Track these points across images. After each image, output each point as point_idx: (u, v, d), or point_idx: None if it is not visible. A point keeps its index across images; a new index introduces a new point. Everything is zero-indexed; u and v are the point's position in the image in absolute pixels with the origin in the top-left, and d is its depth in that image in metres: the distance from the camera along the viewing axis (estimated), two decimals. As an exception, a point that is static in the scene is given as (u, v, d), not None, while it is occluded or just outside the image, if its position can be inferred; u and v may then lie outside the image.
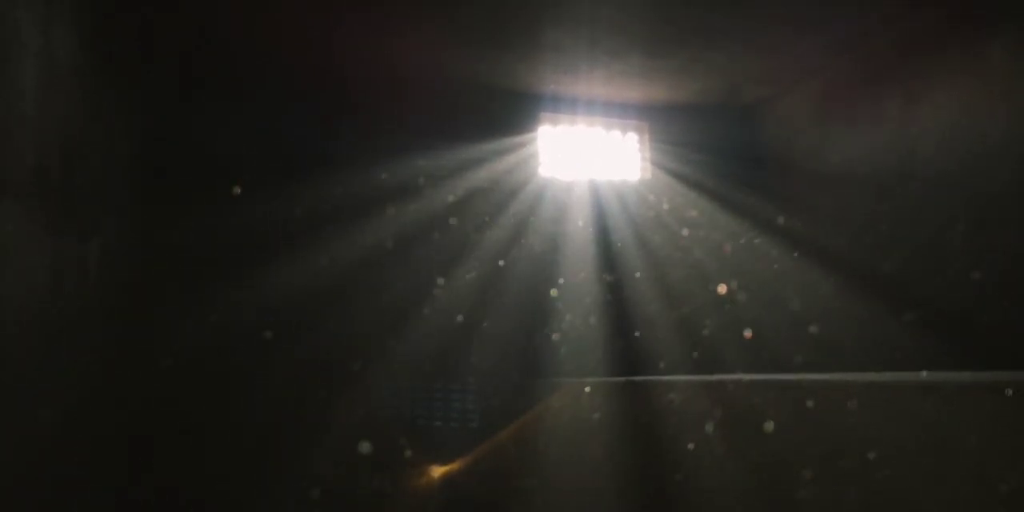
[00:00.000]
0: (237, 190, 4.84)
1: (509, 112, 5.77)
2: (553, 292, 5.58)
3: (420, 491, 5.11)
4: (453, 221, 5.54)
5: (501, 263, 5.55)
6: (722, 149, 6.10)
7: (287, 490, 4.66)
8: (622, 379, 4.41)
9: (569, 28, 4.68)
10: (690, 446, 3.37)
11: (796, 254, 5.49)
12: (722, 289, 5.72)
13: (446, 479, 5.12)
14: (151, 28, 4.31)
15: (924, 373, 2.53)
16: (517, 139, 5.81)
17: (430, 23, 4.58)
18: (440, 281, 5.39)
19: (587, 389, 4.50)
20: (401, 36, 4.73)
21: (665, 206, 6.02)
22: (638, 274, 5.79)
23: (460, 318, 5.32)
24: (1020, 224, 3.98)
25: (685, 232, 5.97)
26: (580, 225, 5.83)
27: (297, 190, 5.09)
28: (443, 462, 5.16)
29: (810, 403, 2.75)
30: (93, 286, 3.48)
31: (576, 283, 5.65)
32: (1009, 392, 2.01)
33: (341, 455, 4.85)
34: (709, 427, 3.28)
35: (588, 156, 6.12)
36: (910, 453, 2.24)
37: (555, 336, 5.46)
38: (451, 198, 5.56)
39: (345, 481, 4.91)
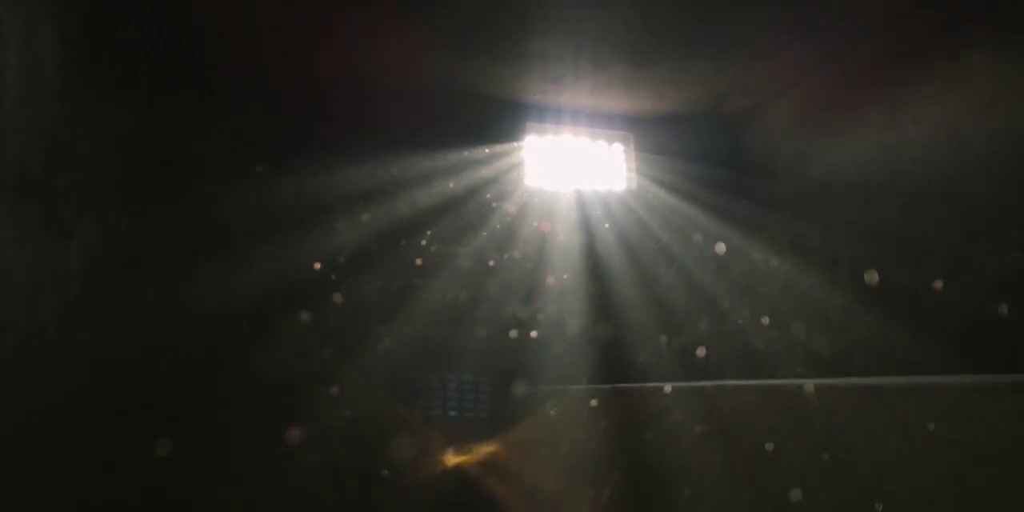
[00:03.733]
0: (224, 188, 4.82)
1: (495, 121, 5.79)
2: (538, 301, 5.57)
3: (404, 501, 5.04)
4: (437, 229, 5.53)
5: (485, 271, 5.54)
6: (708, 159, 6.14)
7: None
8: (608, 386, 4.40)
9: (554, 38, 4.71)
10: (678, 452, 3.36)
11: (781, 262, 5.52)
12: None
13: (430, 488, 5.06)
14: (133, 28, 4.28)
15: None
16: (503, 148, 5.82)
17: (414, 31, 4.59)
18: (424, 289, 5.37)
19: (572, 397, 4.48)
20: (386, 44, 4.74)
21: (651, 215, 6.05)
22: (624, 282, 5.79)
23: (444, 326, 5.30)
24: (1003, 232, 4.02)
25: (671, 241, 5.99)
26: (566, 234, 5.83)
27: (279, 193, 5.07)
28: (429, 470, 5.11)
29: (798, 408, 2.74)
30: (74, 287, 3.43)
31: (561, 291, 5.64)
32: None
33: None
34: (695, 433, 3.27)
35: (574, 166, 6.14)
36: (899, 456, 2.24)
37: (540, 344, 5.43)
38: (436, 206, 5.55)
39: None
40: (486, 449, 5.02)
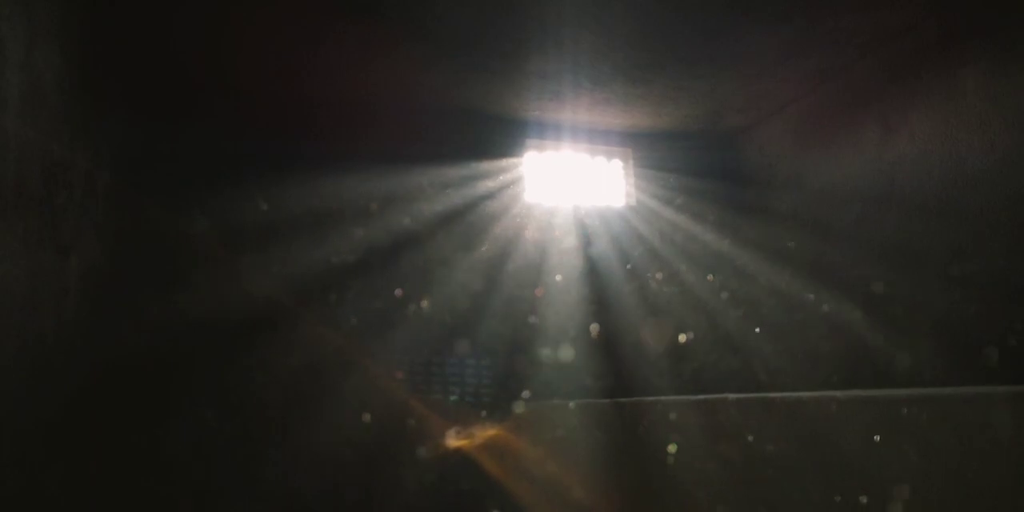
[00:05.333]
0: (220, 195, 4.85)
1: (495, 137, 5.83)
2: (537, 316, 5.57)
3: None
4: (434, 244, 5.55)
5: (485, 288, 5.55)
6: (705, 175, 6.19)
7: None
8: (608, 400, 4.38)
9: (552, 56, 4.75)
10: (679, 466, 3.34)
11: (777, 277, 5.53)
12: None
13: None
14: (133, 42, 4.32)
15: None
16: (502, 164, 5.86)
17: (414, 48, 4.62)
18: (422, 305, 5.37)
19: (572, 409, 4.47)
20: (385, 60, 4.78)
21: (650, 230, 6.07)
22: (622, 297, 5.80)
23: (443, 342, 5.30)
24: (997, 245, 4.03)
25: (669, 256, 6.01)
26: (565, 250, 5.85)
27: (277, 206, 5.10)
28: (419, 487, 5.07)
29: (798, 420, 2.74)
30: (72, 301, 3.43)
31: (560, 306, 5.65)
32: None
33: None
34: (698, 447, 3.25)
35: (573, 182, 6.17)
36: (902, 467, 2.23)
37: (540, 360, 5.43)
38: (434, 221, 5.58)
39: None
40: (481, 458, 5.00)
